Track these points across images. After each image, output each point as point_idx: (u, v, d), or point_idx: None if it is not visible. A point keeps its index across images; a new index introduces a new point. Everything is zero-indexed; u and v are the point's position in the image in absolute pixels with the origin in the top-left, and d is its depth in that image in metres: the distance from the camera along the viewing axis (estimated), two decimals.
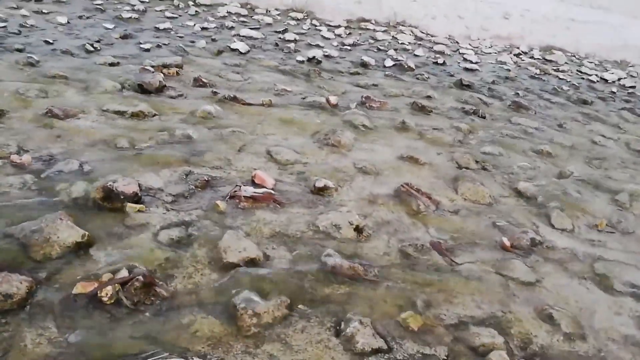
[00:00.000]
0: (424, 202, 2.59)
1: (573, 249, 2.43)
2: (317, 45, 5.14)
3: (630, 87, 5.71)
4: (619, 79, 5.86)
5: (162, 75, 3.56)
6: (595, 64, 6.34)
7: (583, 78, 5.71)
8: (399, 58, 5.09)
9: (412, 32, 6.19)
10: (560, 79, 5.51)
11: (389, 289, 1.95)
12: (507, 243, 2.34)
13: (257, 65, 4.36)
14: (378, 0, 6.71)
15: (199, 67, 4.08)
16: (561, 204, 2.80)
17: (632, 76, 6.18)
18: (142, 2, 5.78)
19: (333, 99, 3.70)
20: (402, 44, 5.70)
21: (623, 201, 2.96)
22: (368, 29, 6.07)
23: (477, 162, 3.14)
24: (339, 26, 5.93)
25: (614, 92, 5.38)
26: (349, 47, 5.26)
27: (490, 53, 6.01)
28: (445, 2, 7.01)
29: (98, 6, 5.37)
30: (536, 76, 5.42)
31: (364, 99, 3.83)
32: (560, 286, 2.14)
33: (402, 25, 6.38)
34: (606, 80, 5.76)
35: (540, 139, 3.71)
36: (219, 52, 4.51)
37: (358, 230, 2.28)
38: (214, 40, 4.82)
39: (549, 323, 1.90)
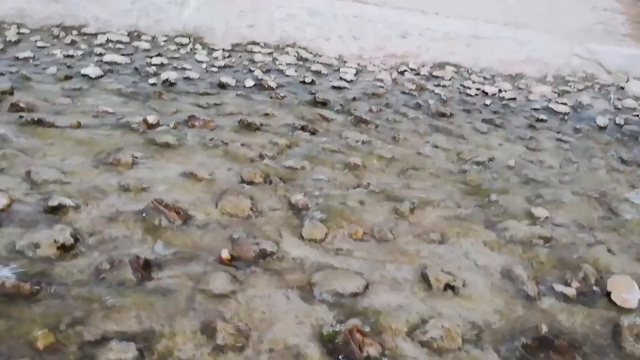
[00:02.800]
0: (169, 218, 2.52)
1: (306, 258, 2.36)
2: (183, 69, 5.14)
3: (511, 99, 5.72)
4: (500, 91, 5.88)
5: None
6: (484, 78, 6.37)
7: (461, 92, 5.72)
8: (264, 78, 5.09)
9: (297, 53, 6.21)
10: (435, 93, 5.52)
11: (48, 308, 1.87)
12: (225, 255, 2.27)
13: (99, 89, 4.33)
14: (271, 23, 6.76)
15: (32, 92, 4.05)
16: (329, 214, 2.75)
17: (519, 88, 6.21)
18: (19, 33, 5.79)
19: (151, 119, 3.66)
20: (279, 64, 5.72)
21: (402, 210, 2.90)
22: (253, 52, 6.09)
23: (266, 176, 3.09)
24: (219, 49, 5.95)
25: (486, 105, 5.38)
26: (216, 70, 5.26)
27: (372, 72, 6.03)
28: (341, 24, 7.06)
29: None
30: (408, 92, 5.42)
31: (188, 117, 3.81)
32: (257, 297, 2.07)
33: (291, 47, 6.41)
34: (486, 93, 5.78)
35: (360, 152, 3.67)
36: (66, 78, 4.48)
37: (65, 248, 2.21)
38: (69, 67, 4.80)
39: (206, 336, 1.83)
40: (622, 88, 6.99)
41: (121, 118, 3.70)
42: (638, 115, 5.63)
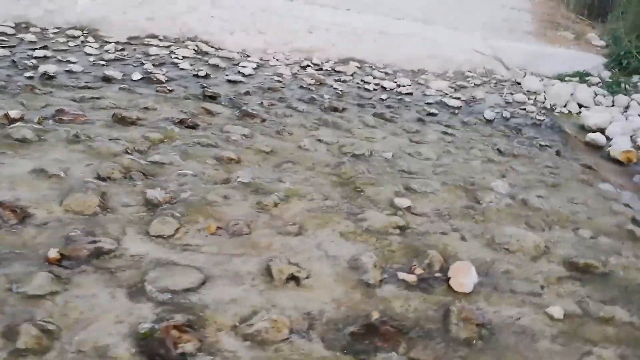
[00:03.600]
0: (3, 217, 2.38)
1: (146, 255, 2.29)
2: (68, 61, 4.90)
3: (407, 93, 5.86)
4: (399, 86, 6.01)
5: None
6: (386, 73, 6.49)
7: (359, 87, 5.80)
8: (154, 72, 4.94)
9: (197, 46, 6.08)
10: (333, 88, 5.56)
11: None
12: (52, 255, 2.16)
13: None
14: (171, 15, 6.58)
15: None
16: (185, 210, 2.69)
17: (419, 84, 6.36)
18: None
19: (14, 114, 3.45)
20: (175, 58, 5.58)
21: (266, 203, 2.89)
22: (150, 45, 5.90)
23: (126, 171, 2.98)
24: (112, 42, 5.72)
25: (382, 99, 5.48)
26: (104, 63, 5.05)
27: (274, 66, 6.00)
28: (246, 18, 6.98)
29: None
30: (306, 87, 5.43)
31: (55, 112, 3.62)
32: (78, 297, 1.98)
33: (192, 41, 6.26)
34: (384, 88, 5.89)
35: (238, 146, 3.62)
36: None
37: None
38: None
39: (7, 339, 1.72)
40: (519, 83, 7.32)
41: None
42: (525, 109, 5.91)
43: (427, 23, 9.08)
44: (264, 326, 1.95)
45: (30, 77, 4.38)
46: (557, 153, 4.71)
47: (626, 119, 5.90)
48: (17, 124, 3.35)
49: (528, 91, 6.93)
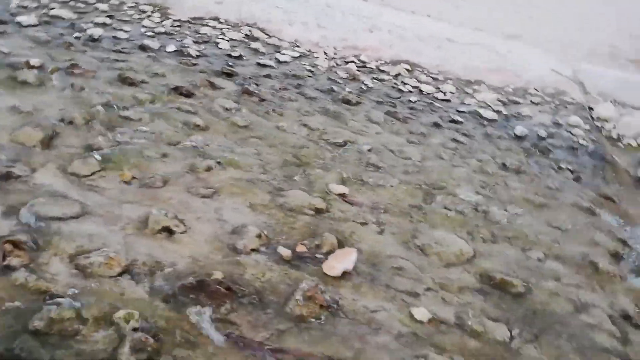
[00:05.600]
0: None
1: (47, 185, 2.52)
2: (121, 30, 5.39)
3: (443, 100, 5.62)
4: (438, 92, 5.78)
5: None
6: (433, 79, 6.25)
7: (394, 87, 5.67)
8: (190, 46, 5.26)
9: (250, 32, 6.34)
10: (364, 84, 5.50)
11: None
12: None
13: (22, 35, 4.63)
14: (239, 2, 6.93)
15: None
16: (118, 158, 2.88)
17: (466, 93, 6.06)
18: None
19: (33, 62, 3.91)
20: (220, 38, 5.87)
21: (199, 167, 2.99)
22: (206, 25, 6.26)
23: (90, 119, 3.24)
24: (171, 19, 6.16)
25: (410, 100, 5.32)
26: (152, 34, 5.48)
27: (317, 58, 6.06)
28: (309, 12, 7.13)
29: None
30: (335, 79, 5.43)
31: (70, 65, 4.03)
32: None
33: (249, 27, 6.54)
34: (421, 92, 5.70)
35: (215, 116, 3.77)
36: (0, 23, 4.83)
37: None
38: (12, 14, 5.15)
39: None
40: (591, 109, 6.69)
41: (9, 58, 3.96)
42: (571, 132, 5.39)
43: (509, 37, 8.60)
44: (97, 261, 2.06)
45: (77, 38, 4.89)
46: (577, 179, 4.26)
47: None
48: (34, 71, 3.79)
49: (598, 118, 6.34)
